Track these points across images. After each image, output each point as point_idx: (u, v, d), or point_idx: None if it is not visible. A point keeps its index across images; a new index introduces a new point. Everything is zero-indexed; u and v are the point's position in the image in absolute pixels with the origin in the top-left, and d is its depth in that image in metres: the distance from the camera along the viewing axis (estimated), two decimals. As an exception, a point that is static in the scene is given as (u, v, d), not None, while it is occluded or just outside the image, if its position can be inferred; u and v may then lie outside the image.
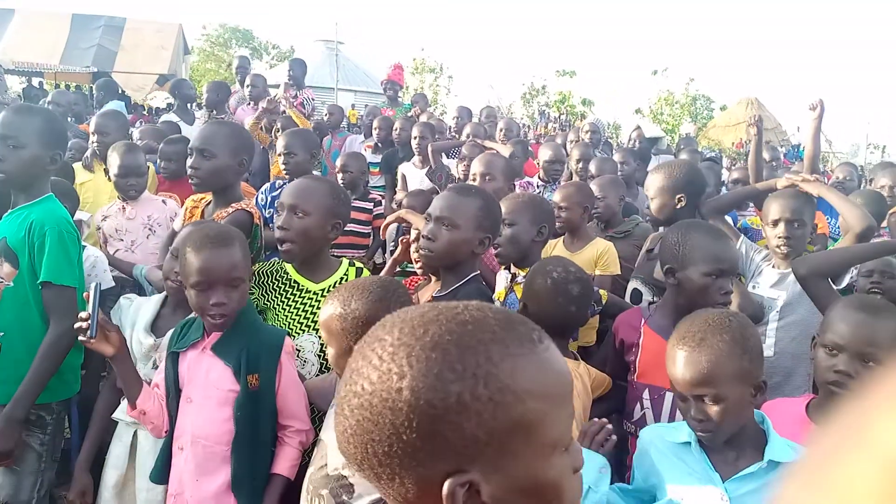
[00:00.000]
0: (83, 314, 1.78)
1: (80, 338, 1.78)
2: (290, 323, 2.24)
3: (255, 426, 1.91)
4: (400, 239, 2.74)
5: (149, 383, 1.98)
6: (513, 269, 2.57)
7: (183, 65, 15.01)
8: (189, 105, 6.73)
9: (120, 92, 10.70)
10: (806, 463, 0.37)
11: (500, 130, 5.73)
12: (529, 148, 6.04)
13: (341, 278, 2.29)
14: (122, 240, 3.22)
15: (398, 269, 2.77)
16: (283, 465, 1.95)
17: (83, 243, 2.54)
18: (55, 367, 2.21)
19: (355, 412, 0.70)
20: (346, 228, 2.41)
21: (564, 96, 20.29)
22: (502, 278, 2.56)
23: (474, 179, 3.36)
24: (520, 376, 0.69)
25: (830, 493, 0.34)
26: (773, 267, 2.69)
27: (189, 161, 2.51)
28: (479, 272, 2.24)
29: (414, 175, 5.11)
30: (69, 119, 6.43)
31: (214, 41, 24.16)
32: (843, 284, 2.59)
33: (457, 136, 6.04)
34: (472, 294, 2.09)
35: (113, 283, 2.91)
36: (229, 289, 1.87)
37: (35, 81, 13.42)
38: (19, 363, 2.19)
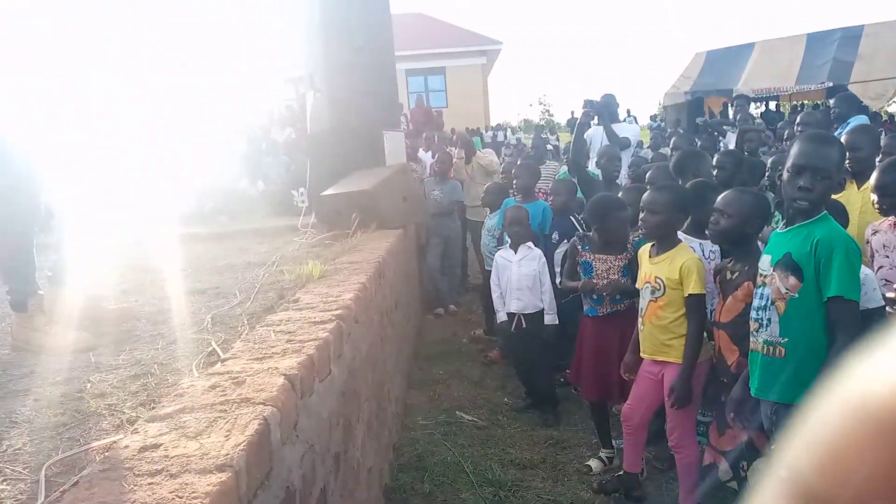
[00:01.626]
0: None
1: None
2: None
3: None
4: None
5: None
6: None
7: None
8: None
9: (860, 104, 10.37)
10: (803, 424, 0.35)
11: None
12: None
13: None
14: (887, 256, 3.15)
15: None
16: None
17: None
18: None
19: None
20: None
21: None
22: None
23: None
24: None
25: (820, 449, 0.32)
26: None
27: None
28: None
29: None
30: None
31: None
32: None
33: None
34: None
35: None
36: None
37: (772, 105, 14.39)
38: (802, 366, 2.43)
